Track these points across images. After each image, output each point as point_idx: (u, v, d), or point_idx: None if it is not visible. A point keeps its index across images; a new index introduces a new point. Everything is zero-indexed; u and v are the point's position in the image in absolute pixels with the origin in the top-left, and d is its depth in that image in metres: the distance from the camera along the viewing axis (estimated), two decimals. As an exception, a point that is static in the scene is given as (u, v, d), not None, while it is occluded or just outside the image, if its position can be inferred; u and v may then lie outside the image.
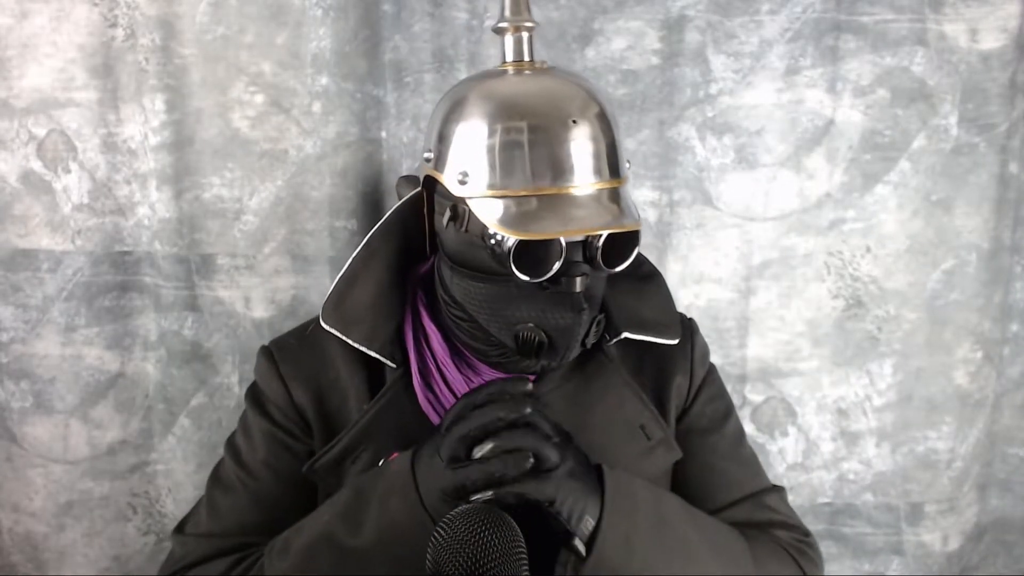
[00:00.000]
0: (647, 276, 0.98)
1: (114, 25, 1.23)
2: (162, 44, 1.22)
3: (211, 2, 1.21)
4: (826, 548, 1.39)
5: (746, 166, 1.30)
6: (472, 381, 0.89)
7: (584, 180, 0.78)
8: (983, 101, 1.29)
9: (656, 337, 0.92)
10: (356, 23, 1.24)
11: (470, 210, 0.80)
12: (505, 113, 0.79)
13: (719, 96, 1.28)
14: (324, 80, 1.24)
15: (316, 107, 1.25)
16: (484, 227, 0.79)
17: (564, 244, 0.78)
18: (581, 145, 0.79)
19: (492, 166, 0.79)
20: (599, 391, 0.92)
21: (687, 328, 0.98)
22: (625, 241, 0.81)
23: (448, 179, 0.82)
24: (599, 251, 0.79)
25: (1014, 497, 1.48)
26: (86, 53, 1.23)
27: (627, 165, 0.85)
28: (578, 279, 0.78)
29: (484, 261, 0.81)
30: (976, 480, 1.44)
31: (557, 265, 0.78)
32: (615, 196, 0.81)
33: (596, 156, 0.80)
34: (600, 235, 0.79)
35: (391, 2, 1.25)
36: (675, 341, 0.94)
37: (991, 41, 1.27)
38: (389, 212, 0.95)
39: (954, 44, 1.27)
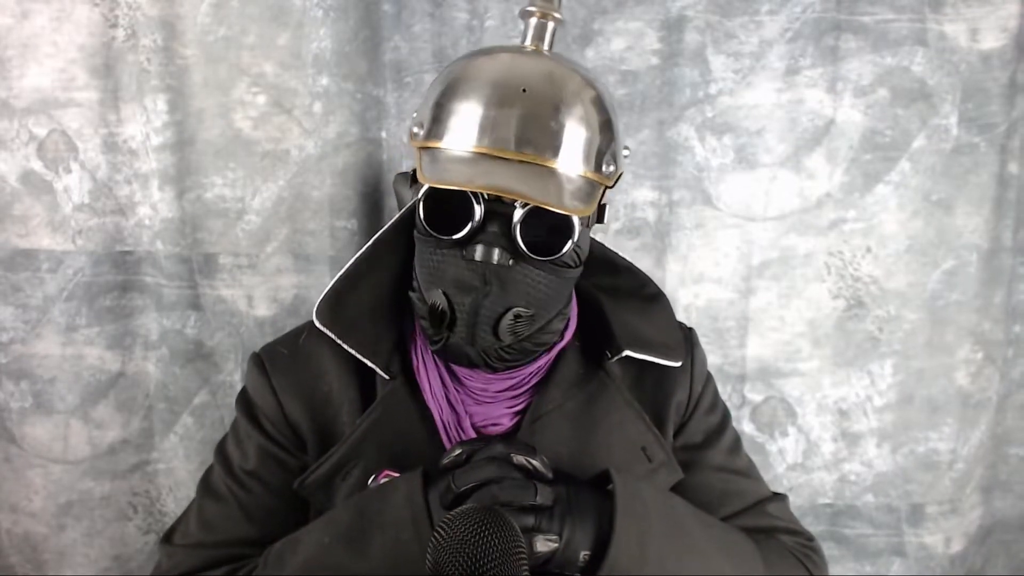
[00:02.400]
0: (651, 297, 0.96)
1: (115, 25, 1.23)
2: (164, 45, 1.22)
3: (212, 3, 1.22)
4: (827, 549, 1.39)
5: (746, 166, 1.30)
6: (459, 393, 0.88)
7: (530, 149, 0.77)
8: (983, 101, 1.29)
9: (659, 358, 0.90)
10: (356, 23, 1.25)
11: (416, 161, 0.81)
12: (494, 78, 0.79)
13: (719, 96, 1.28)
14: (325, 80, 1.24)
15: (317, 107, 1.25)
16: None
17: (480, 209, 0.77)
18: (563, 124, 0.78)
19: (438, 119, 0.80)
20: (601, 411, 0.90)
21: (687, 341, 0.96)
22: (561, 233, 0.79)
23: (412, 129, 0.83)
24: (516, 228, 0.77)
25: (1016, 498, 1.47)
26: (87, 53, 1.23)
27: (611, 168, 0.82)
28: (495, 250, 0.77)
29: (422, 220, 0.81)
30: (980, 482, 1.44)
31: (469, 227, 0.77)
32: (568, 180, 0.78)
33: (587, 143, 0.79)
34: (516, 211, 0.77)
35: (391, 2, 1.25)
36: (678, 364, 0.92)
37: (991, 41, 1.27)
38: (399, 212, 0.94)
39: (954, 44, 1.27)
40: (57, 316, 1.30)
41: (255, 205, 1.28)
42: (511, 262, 0.78)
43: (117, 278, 1.30)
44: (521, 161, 0.77)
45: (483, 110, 0.78)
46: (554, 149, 0.78)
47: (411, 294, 0.88)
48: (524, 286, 0.80)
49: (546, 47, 0.86)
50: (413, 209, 0.91)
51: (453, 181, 0.76)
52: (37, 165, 1.27)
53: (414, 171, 0.83)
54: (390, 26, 1.26)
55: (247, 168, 1.26)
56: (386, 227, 0.93)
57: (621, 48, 1.27)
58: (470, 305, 0.79)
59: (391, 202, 1.31)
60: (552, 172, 0.78)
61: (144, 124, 1.25)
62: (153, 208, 1.27)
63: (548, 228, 0.79)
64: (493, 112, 0.78)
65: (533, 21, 0.86)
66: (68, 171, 1.27)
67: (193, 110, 1.24)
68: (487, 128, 0.77)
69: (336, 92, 1.25)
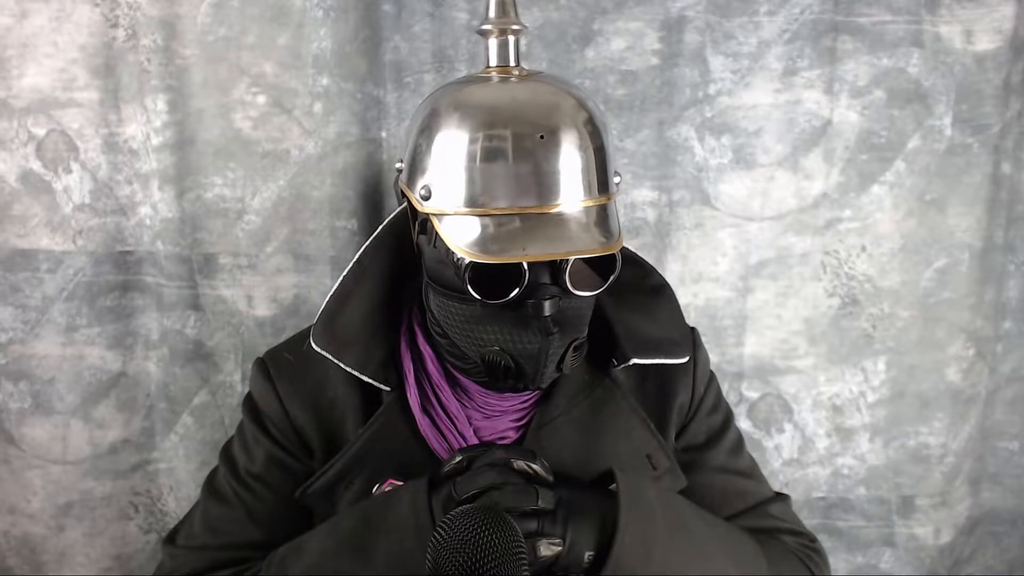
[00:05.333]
0: (655, 289, 0.95)
1: (115, 25, 1.22)
2: (164, 45, 1.22)
3: (213, 3, 1.21)
4: (821, 542, 1.42)
5: (744, 166, 1.31)
6: (466, 405, 0.88)
7: (558, 198, 0.74)
8: (977, 102, 1.31)
9: (665, 358, 0.90)
10: (356, 24, 1.24)
11: (435, 226, 0.77)
12: (477, 124, 0.75)
13: (718, 96, 1.29)
14: (325, 80, 1.24)
15: (317, 107, 1.25)
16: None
17: (527, 267, 0.74)
18: (587, 160, 0.75)
19: (456, 181, 0.75)
20: (607, 419, 0.90)
21: (691, 341, 0.96)
22: (604, 263, 0.78)
23: (415, 193, 0.79)
24: (567, 274, 0.76)
25: (1004, 490, 1.50)
26: (87, 53, 1.23)
27: (616, 180, 0.81)
28: (546, 303, 0.74)
29: (452, 279, 0.78)
30: (968, 475, 1.47)
31: (517, 290, 0.75)
32: (597, 215, 0.77)
33: (584, 171, 0.76)
34: (567, 258, 0.75)
35: (391, 2, 1.25)
36: (685, 359, 0.91)
37: (986, 42, 1.28)
38: (381, 226, 0.93)
39: (949, 45, 1.29)
40: (57, 316, 1.29)
41: (255, 205, 1.27)
42: (561, 303, 0.77)
43: (117, 278, 1.30)
44: (560, 212, 0.75)
45: (510, 167, 0.74)
46: (584, 189, 0.76)
47: (440, 340, 0.86)
48: (577, 318, 0.80)
49: (513, 62, 0.82)
50: (396, 222, 0.91)
51: (505, 256, 0.73)
52: (36, 165, 1.26)
53: (423, 221, 0.81)
54: (390, 26, 1.26)
55: (247, 168, 1.26)
56: (369, 241, 0.92)
57: (621, 48, 1.28)
58: (537, 354, 0.78)
59: (391, 202, 1.31)
60: (587, 211, 0.76)
61: (144, 124, 1.24)
62: (153, 208, 1.27)
63: (592, 262, 0.78)
64: (521, 168, 0.74)
65: (494, 41, 0.82)
66: (68, 171, 1.26)
67: (193, 110, 1.24)
68: (522, 187, 0.74)
69: (336, 92, 1.25)
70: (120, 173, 1.27)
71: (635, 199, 1.31)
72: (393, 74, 1.27)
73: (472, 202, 0.75)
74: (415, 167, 0.80)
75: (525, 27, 0.83)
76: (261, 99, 1.24)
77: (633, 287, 0.94)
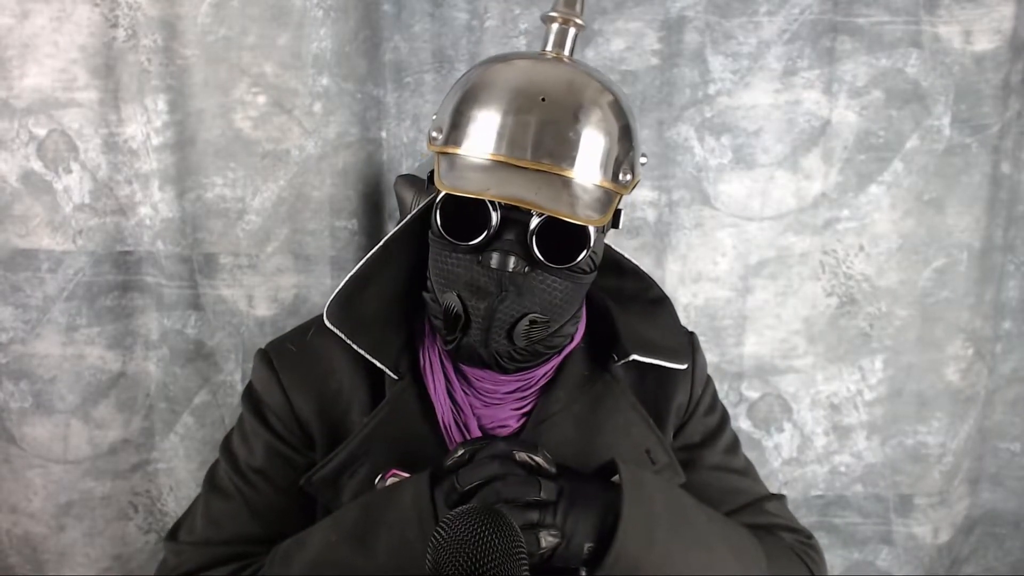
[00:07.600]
0: (656, 300, 0.97)
1: (115, 26, 1.22)
2: (164, 45, 1.22)
3: (213, 3, 1.21)
4: (817, 539, 1.42)
5: (744, 166, 1.32)
6: (467, 393, 0.88)
7: (543, 158, 0.77)
8: (976, 102, 1.31)
9: (665, 361, 0.91)
10: (356, 24, 1.25)
11: (435, 166, 0.81)
12: (496, 83, 0.80)
13: (717, 97, 1.30)
14: (325, 80, 1.24)
15: (317, 107, 1.25)
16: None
17: (496, 217, 0.78)
18: (581, 133, 0.78)
19: (460, 125, 0.80)
20: (606, 414, 0.90)
21: (689, 345, 0.97)
22: (577, 240, 0.80)
23: (431, 134, 0.83)
24: (533, 237, 0.78)
25: (1005, 491, 1.50)
26: (87, 53, 1.23)
27: (628, 176, 0.83)
28: (510, 258, 0.77)
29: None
30: (967, 474, 1.47)
31: (483, 236, 0.78)
32: (593, 194, 0.79)
33: (584, 146, 0.78)
34: (532, 219, 0.78)
35: (391, 2, 1.25)
36: (684, 366, 0.93)
37: (985, 43, 1.29)
38: (410, 214, 0.94)
39: (948, 46, 1.29)
40: (57, 316, 1.29)
41: (255, 205, 1.28)
42: (527, 269, 0.79)
43: (118, 278, 1.30)
44: (538, 170, 0.77)
45: (502, 118, 0.78)
46: (571, 159, 0.78)
47: (425, 294, 0.88)
48: (540, 292, 0.81)
49: (567, 53, 0.86)
50: (427, 210, 0.91)
51: (468, 189, 0.77)
52: (37, 165, 1.26)
53: (431, 174, 0.84)
54: (390, 26, 1.26)
55: (247, 168, 1.26)
56: (397, 227, 0.93)
57: (621, 48, 1.28)
58: (485, 310, 0.80)
59: (391, 202, 1.31)
60: (569, 182, 0.78)
61: (144, 124, 1.24)
62: (153, 208, 1.27)
63: (564, 236, 0.79)
64: (511, 120, 0.78)
65: (554, 27, 0.86)
66: (68, 171, 1.26)
67: (193, 110, 1.24)
68: (505, 136, 0.78)
69: (336, 92, 1.25)
70: (120, 173, 1.27)
71: (635, 199, 1.32)
72: (393, 74, 1.27)
73: (464, 143, 0.80)
74: (440, 114, 0.84)
75: (585, 26, 0.87)
76: (261, 99, 1.25)
77: (635, 297, 0.96)
